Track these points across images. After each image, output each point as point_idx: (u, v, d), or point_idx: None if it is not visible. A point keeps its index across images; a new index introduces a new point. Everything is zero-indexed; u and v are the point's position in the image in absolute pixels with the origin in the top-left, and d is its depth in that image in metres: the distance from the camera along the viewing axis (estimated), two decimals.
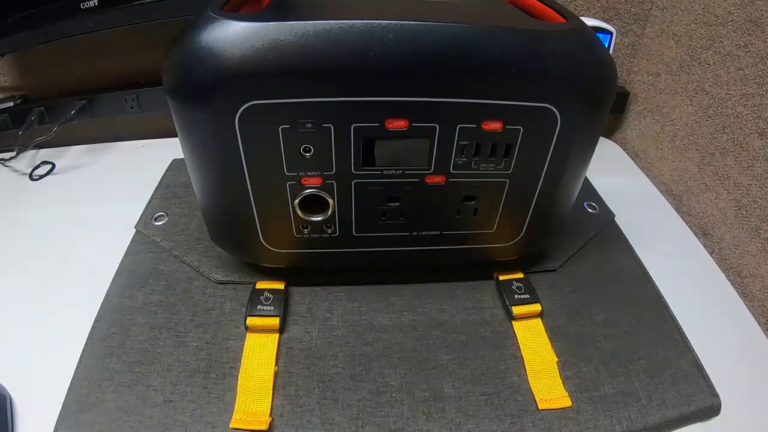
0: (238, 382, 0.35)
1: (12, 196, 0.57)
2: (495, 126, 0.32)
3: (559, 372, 0.37)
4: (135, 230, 0.48)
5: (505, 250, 0.41)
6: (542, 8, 0.37)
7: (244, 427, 0.33)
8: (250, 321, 0.39)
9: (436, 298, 0.43)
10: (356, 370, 0.37)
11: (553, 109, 0.32)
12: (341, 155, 0.33)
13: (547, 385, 0.36)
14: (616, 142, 0.69)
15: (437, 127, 0.32)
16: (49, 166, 0.61)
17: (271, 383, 0.36)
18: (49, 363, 0.38)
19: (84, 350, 0.37)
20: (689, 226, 0.54)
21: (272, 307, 0.39)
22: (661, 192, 0.59)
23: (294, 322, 0.40)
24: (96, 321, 0.39)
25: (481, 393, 0.36)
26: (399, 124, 0.32)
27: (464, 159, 0.34)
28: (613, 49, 0.58)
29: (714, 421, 0.36)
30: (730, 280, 0.48)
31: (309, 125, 0.31)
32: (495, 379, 0.37)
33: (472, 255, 0.41)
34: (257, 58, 0.28)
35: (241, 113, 0.30)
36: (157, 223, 0.49)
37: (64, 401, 0.34)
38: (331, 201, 0.35)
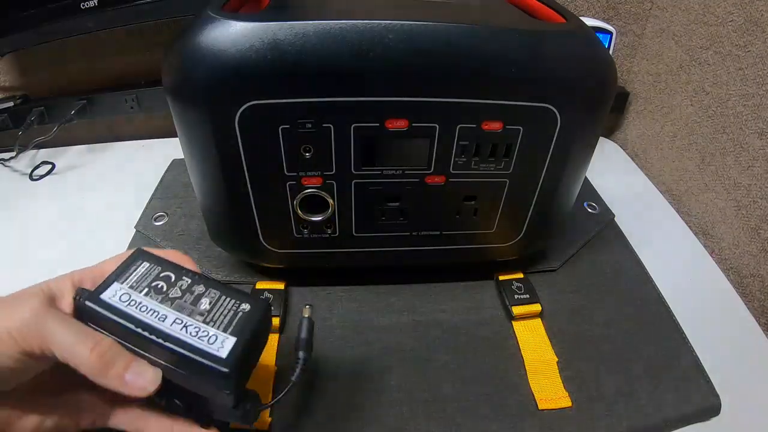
0: None
1: (12, 196, 0.57)
2: (495, 126, 0.32)
3: (559, 372, 0.37)
4: (135, 230, 0.48)
5: (505, 250, 0.41)
6: (542, 8, 0.37)
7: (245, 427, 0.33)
8: None
9: (436, 298, 0.43)
10: (356, 370, 0.37)
11: (553, 109, 0.32)
12: (341, 155, 0.33)
13: (547, 385, 0.36)
14: (616, 142, 0.69)
15: (437, 127, 0.32)
16: (49, 166, 0.61)
17: (271, 383, 0.36)
18: None
19: None
20: (689, 226, 0.54)
21: (272, 308, 0.39)
22: (661, 192, 0.59)
23: (294, 322, 0.40)
24: None
25: (481, 393, 0.36)
26: (399, 124, 0.32)
27: (464, 159, 0.34)
28: (613, 49, 0.58)
29: (714, 421, 0.36)
30: (730, 280, 0.48)
31: (309, 125, 0.31)
32: (495, 379, 0.37)
33: (472, 255, 0.41)
34: (257, 58, 0.28)
35: (241, 113, 0.30)
36: (157, 223, 0.49)
37: None
38: (331, 201, 0.35)
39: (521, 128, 0.33)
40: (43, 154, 0.63)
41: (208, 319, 0.25)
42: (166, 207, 0.51)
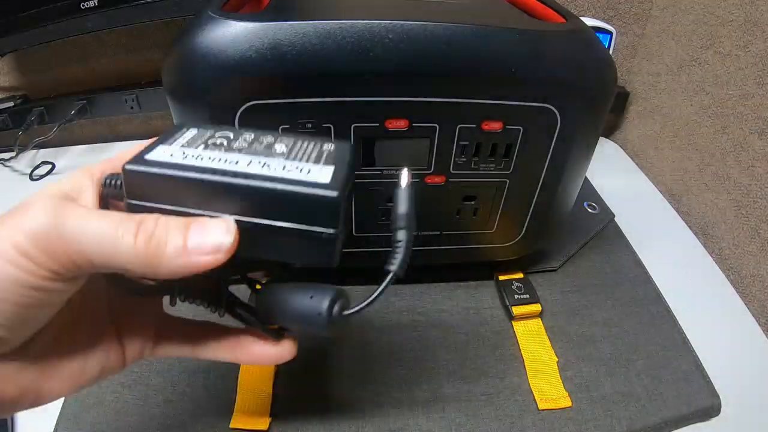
0: (238, 382, 0.35)
1: (12, 196, 0.56)
2: (495, 126, 0.32)
3: (559, 372, 0.37)
4: None
5: (505, 250, 0.41)
6: (542, 8, 0.37)
7: (244, 427, 0.33)
8: None
9: (436, 298, 0.43)
10: (356, 370, 0.37)
11: (553, 109, 0.32)
12: None
13: (547, 385, 0.36)
14: (616, 142, 0.69)
15: (437, 127, 0.32)
16: (49, 166, 0.61)
17: (271, 383, 0.36)
18: None
19: None
20: (689, 226, 0.54)
21: None
22: (661, 192, 0.59)
23: None
24: None
25: (481, 393, 0.36)
26: (399, 124, 0.32)
27: (464, 159, 0.34)
28: (613, 49, 0.58)
29: (714, 421, 0.36)
30: (730, 280, 0.48)
31: (309, 125, 0.31)
32: (495, 379, 0.37)
33: (472, 255, 0.41)
34: (257, 58, 0.28)
35: (241, 113, 0.30)
36: None
37: (64, 401, 0.34)
38: None
39: (521, 128, 0.33)
40: (43, 154, 0.63)
41: (290, 158, 0.19)
42: None
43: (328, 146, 0.21)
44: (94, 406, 0.34)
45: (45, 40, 0.55)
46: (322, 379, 0.36)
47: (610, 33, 0.56)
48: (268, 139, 0.21)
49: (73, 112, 0.60)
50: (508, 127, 0.33)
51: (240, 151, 0.20)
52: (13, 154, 0.61)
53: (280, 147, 0.20)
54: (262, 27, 0.28)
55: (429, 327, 0.40)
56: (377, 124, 0.32)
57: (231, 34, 0.28)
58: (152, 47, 0.61)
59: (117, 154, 0.21)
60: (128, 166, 0.18)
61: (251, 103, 0.30)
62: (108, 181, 0.20)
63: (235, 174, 0.18)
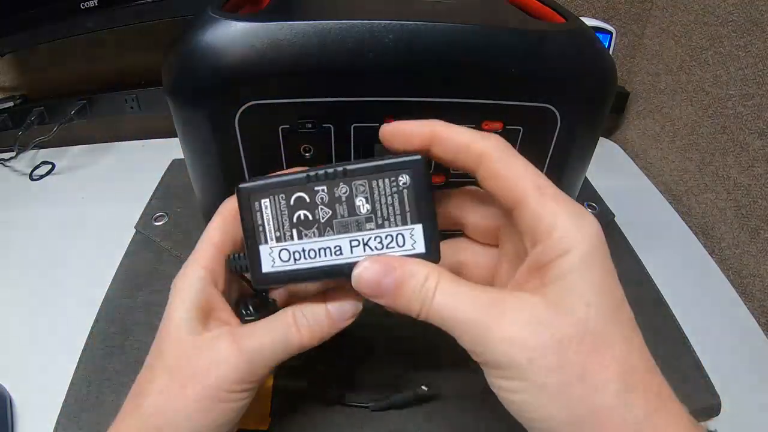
0: None
1: (12, 196, 0.57)
2: (495, 126, 0.32)
3: None
4: (135, 230, 0.48)
5: None
6: (542, 8, 0.37)
7: (244, 427, 0.33)
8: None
9: None
10: (356, 370, 0.37)
11: (553, 109, 0.32)
12: (341, 155, 0.33)
13: None
14: (616, 142, 0.69)
15: None
16: (49, 166, 0.61)
17: (271, 383, 0.36)
18: (49, 363, 0.38)
19: (84, 350, 0.37)
20: (689, 226, 0.54)
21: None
22: (661, 192, 0.59)
23: None
24: (96, 321, 0.39)
25: (481, 392, 0.36)
26: None
27: None
28: (613, 49, 0.58)
29: (714, 421, 0.36)
30: (730, 280, 0.48)
31: (309, 125, 0.31)
32: None
33: None
34: (257, 58, 0.28)
35: (241, 113, 0.30)
36: (157, 223, 0.49)
37: (64, 401, 0.34)
38: None
39: (521, 128, 0.33)
40: (43, 154, 0.63)
41: (380, 222, 0.22)
42: (166, 207, 0.51)
43: (403, 179, 0.22)
44: (94, 406, 0.34)
45: (45, 40, 0.55)
46: (321, 379, 0.36)
47: (610, 33, 0.56)
48: (342, 189, 0.22)
49: (73, 112, 0.60)
50: (508, 127, 0.32)
51: (331, 228, 0.22)
52: (13, 154, 0.61)
53: (361, 202, 0.22)
54: (262, 27, 0.28)
55: (429, 327, 0.40)
56: (377, 124, 0.31)
57: (231, 34, 0.28)
58: (152, 47, 0.61)
59: (205, 239, 0.27)
60: (258, 286, 0.24)
61: (251, 103, 0.30)
62: (234, 264, 0.25)
63: (349, 267, 0.22)
